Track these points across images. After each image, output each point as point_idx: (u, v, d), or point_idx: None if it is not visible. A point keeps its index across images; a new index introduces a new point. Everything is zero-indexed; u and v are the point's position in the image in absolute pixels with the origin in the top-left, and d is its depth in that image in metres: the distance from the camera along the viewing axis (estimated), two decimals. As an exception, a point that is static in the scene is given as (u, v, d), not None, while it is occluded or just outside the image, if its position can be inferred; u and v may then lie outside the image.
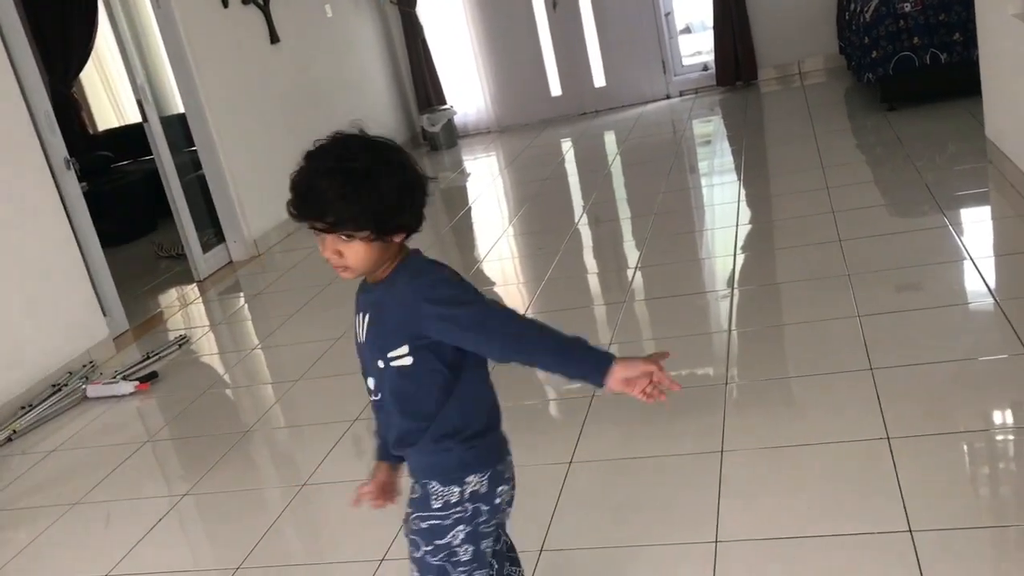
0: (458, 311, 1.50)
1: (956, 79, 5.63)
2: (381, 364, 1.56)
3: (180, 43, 5.59)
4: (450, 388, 1.56)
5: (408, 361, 1.53)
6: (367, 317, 1.57)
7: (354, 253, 1.48)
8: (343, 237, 1.46)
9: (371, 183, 1.43)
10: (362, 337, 1.59)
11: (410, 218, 1.50)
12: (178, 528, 2.91)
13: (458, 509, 1.59)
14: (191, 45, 5.63)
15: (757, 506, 2.35)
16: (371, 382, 1.62)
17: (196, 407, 3.80)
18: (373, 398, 1.62)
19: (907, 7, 5.68)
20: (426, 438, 1.58)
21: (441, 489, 1.59)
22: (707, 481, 2.47)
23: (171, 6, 5.51)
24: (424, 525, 1.61)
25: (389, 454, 1.70)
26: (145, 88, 5.43)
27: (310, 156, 1.47)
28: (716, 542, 2.23)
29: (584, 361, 1.52)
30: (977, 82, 4.71)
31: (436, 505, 1.60)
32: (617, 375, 1.48)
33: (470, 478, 1.59)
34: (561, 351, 1.52)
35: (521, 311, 4.02)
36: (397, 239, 1.51)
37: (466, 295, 1.53)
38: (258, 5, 6.36)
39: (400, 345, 1.53)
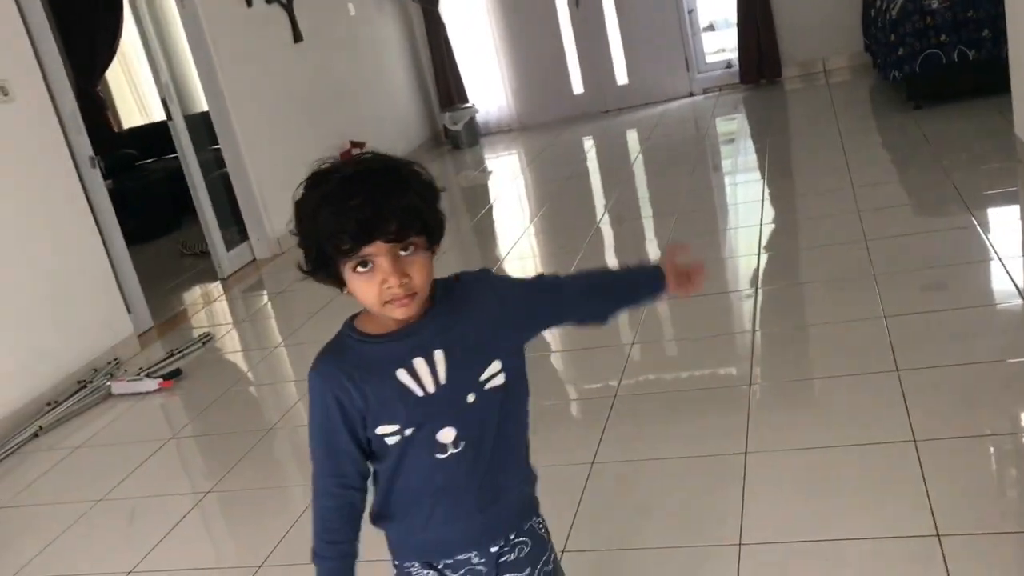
0: (546, 281, 1.46)
1: (984, 77, 5.56)
2: (472, 397, 1.34)
3: (204, 42, 5.62)
4: (528, 395, 1.42)
5: (502, 379, 1.36)
6: (439, 355, 1.33)
7: (420, 270, 1.27)
8: (404, 251, 1.25)
9: (414, 175, 1.29)
10: (440, 380, 1.33)
11: (444, 225, 1.34)
12: (201, 525, 2.92)
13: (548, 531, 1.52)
14: (215, 44, 5.66)
15: (781, 508, 2.33)
16: (448, 434, 1.34)
17: (220, 404, 3.81)
18: (448, 453, 1.35)
19: (934, 4, 5.62)
20: (523, 466, 1.45)
21: (540, 521, 1.49)
22: (731, 482, 2.46)
23: (195, 5, 5.55)
24: (550, 567, 1.48)
25: None
26: (169, 86, 5.47)
27: (341, 179, 1.25)
28: (740, 544, 2.22)
29: (641, 275, 1.56)
30: (1006, 80, 4.65)
31: (549, 540, 1.49)
32: (670, 274, 1.51)
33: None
34: (623, 279, 1.58)
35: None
36: (435, 252, 1.33)
37: (514, 277, 1.49)
38: (281, 4, 6.38)
39: (491, 361, 1.36)
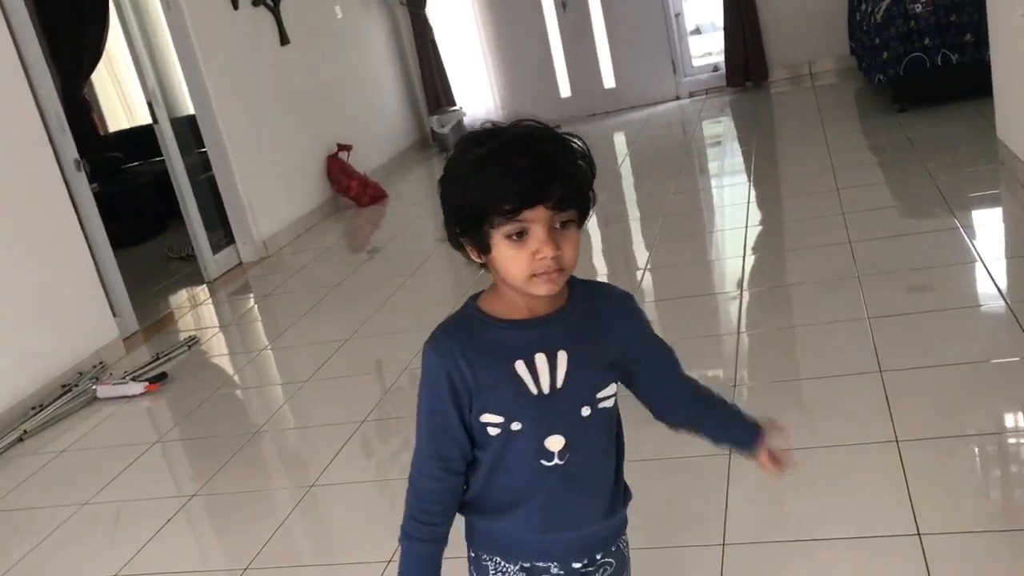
0: (658, 343, 1.39)
1: (967, 80, 5.60)
2: (587, 412, 1.28)
3: (190, 45, 5.61)
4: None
5: (613, 401, 1.32)
6: (563, 356, 1.26)
7: (572, 245, 1.21)
8: (560, 224, 1.20)
9: (575, 148, 1.23)
10: (558, 384, 1.26)
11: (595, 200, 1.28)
12: (187, 528, 2.92)
13: None
14: (201, 47, 5.65)
15: (765, 508, 2.34)
16: (556, 442, 1.28)
17: (205, 408, 3.81)
18: (553, 462, 1.29)
19: (918, 8, 5.66)
20: (624, 493, 1.42)
21: (625, 539, 1.47)
22: (715, 483, 2.47)
23: (181, 8, 5.53)
24: None
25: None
26: (155, 90, 5.45)
27: (510, 139, 1.20)
28: (723, 544, 2.23)
29: (739, 418, 1.45)
30: (989, 83, 4.68)
31: (629, 559, 1.47)
32: (764, 443, 1.43)
33: None
34: (724, 407, 1.46)
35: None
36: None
37: None
38: (268, 7, 6.37)
39: (610, 382, 1.31)
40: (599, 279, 4.50)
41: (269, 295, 5.29)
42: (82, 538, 2.95)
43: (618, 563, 1.42)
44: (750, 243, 4.35)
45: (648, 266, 4.39)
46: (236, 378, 4.16)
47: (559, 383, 1.26)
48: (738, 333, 3.41)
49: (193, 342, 4.57)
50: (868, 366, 2.88)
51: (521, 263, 1.19)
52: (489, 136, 1.20)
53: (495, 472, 1.32)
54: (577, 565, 1.37)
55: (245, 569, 2.56)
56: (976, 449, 2.45)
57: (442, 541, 1.35)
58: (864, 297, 3.40)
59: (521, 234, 1.18)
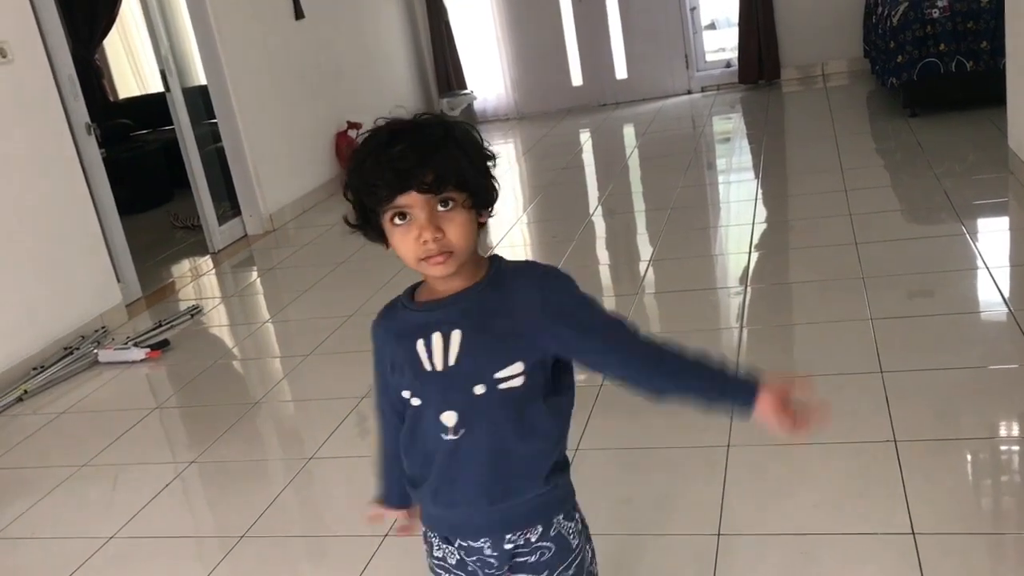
0: (597, 321, 1.32)
1: (981, 87, 5.60)
2: (480, 390, 1.29)
3: (206, 15, 5.60)
4: (563, 410, 1.37)
5: (519, 381, 1.29)
6: (457, 335, 1.29)
7: (456, 228, 1.24)
8: (442, 206, 1.23)
9: (462, 134, 1.27)
10: (450, 361, 1.29)
11: (495, 192, 1.31)
12: (184, 495, 2.93)
13: (585, 532, 1.46)
14: (216, 17, 5.64)
15: (761, 501, 2.36)
16: (450, 418, 1.31)
17: (205, 377, 3.82)
18: (448, 436, 1.32)
19: (935, 13, 5.64)
20: (541, 477, 1.36)
21: (572, 525, 1.42)
22: (712, 474, 2.48)
23: (198, -23, 5.52)
24: (570, 572, 1.42)
25: (405, 498, 1.48)
26: (168, 58, 5.45)
27: (388, 130, 1.25)
28: (719, 535, 2.24)
29: (733, 379, 1.34)
30: (1002, 92, 4.68)
31: (575, 542, 1.42)
32: (769, 399, 1.30)
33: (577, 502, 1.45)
34: (701, 367, 1.34)
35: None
36: (483, 219, 1.30)
37: (595, 303, 1.34)
38: (284, -20, 6.36)
39: (513, 362, 1.29)
40: (603, 268, 4.52)
41: (273, 269, 5.30)
42: (80, 499, 2.97)
43: (558, 547, 1.39)
44: (755, 240, 4.35)
45: (652, 258, 4.39)
46: (237, 350, 4.17)
47: (451, 361, 1.29)
48: (740, 328, 3.43)
49: (196, 311, 4.58)
50: (869, 367, 2.90)
51: (408, 247, 1.25)
52: (379, 128, 1.26)
53: (412, 440, 1.38)
54: (508, 546, 1.38)
55: (240, 537, 2.58)
56: (972, 453, 2.47)
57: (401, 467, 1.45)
58: (867, 298, 3.41)
59: (404, 217, 1.23)
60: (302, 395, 3.57)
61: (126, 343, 4.16)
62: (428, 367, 1.30)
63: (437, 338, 1.30)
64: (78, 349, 4.14)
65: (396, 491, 1.50)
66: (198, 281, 5.29)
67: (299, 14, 6.50)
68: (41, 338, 4.11)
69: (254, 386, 3.76)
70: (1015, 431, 2.58)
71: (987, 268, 3.53)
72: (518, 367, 1.29)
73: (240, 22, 5.89)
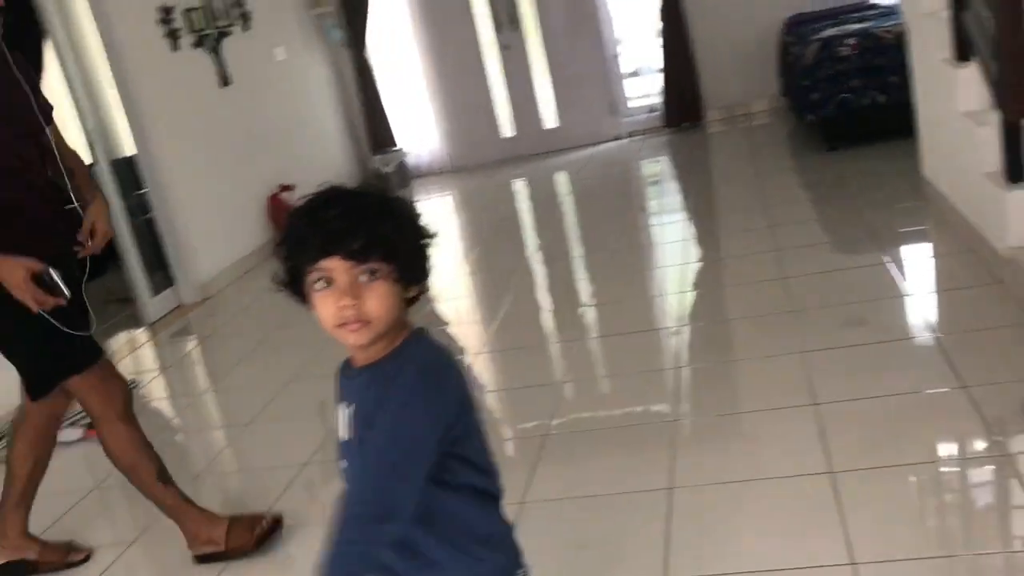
0: (378, 435, 1.27)
1: (894, 120, 5.79)
2: (345, 465, 1.37)
3: (129, 86, 5.57)
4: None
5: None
6: (350, 412, 1.34)
7: (377, 299, 1.24)
8: (366, 275, 1.23)
9: (400, 207, 1.30)
10: (348, 434, 1.34)
11: (428, 269, 1.33)
12: (126, 577, 2.86)
13: None
14: (141, 88, 5.62)
15: (706, 541, 2.39)
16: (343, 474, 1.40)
17: (145, 453, 3.74)
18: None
19: (845, 51, 5.86)
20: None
21: None
22: (657, 517, 2.50)
23: (120, 50, 5.51)
24: None
25: None
26: (94, 131, 5.41)
27: (327, 195, 1.27)
28: (667, 578, 2.26)
29: None
30: (914, 123, 4.87)
31: None
32: None
33: None
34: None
35: (476, 351, 4.06)
36: (412, 294, 1.31)
37: (399, 438, 1.26)
38: (208, 49, 6.37)
39: (367, 446, 1.32)
40: (544, 314, 4.55)
41: (210, 336, 5.23)
42: (16, 590, 2.87)
43: None
44: (689, 279, 4.44)
45: (592, 302, 4.45)
46: (176, 421, 4.10)
47: (348, 435, 1.34)
48: (679, 368, 3.48)
49: (133, 385, 4.47)
50: (803, 399, 2.96)
51: (328, 312, 1.25)
52: (318, 193, 1.29)
53: None
54: None
55: (187, 617, 2.52)
56: (911, 478, 2.53)
57: None
58: (799, 331, 3.49)
59: (328, 282, 1.24)
60: (246, 464, 3.52)
61: (61, 423, 4.05)
62: (341, 435, 1.36)
63: (342, 409, 1.36)
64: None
65: None
66: (135, 354, 5.20)
67: (225, 81, 6.51)
68: (-29, 424, 3.99)
69: (196, 458, 3.69)
70: (952, 452, 2.65)
71: (912, 295, 3.65)
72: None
73: (166, 91, 5.87)
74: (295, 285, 1.30)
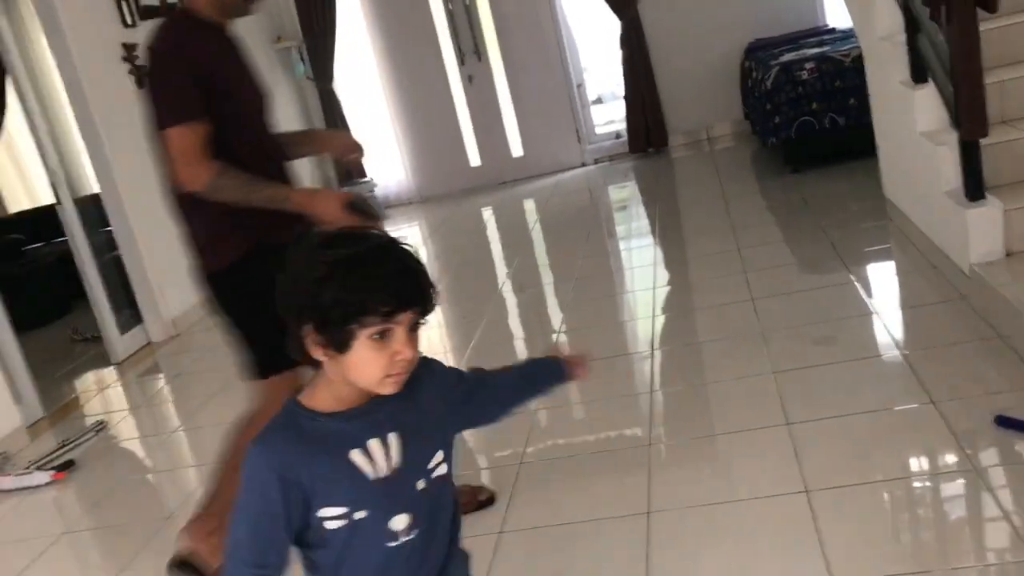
0: (474, 386, 1.52)
1: (854, 141, 5.91)
2: (422, 484, 1.34)
3: (93, 123, 5.54)
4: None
5: (445, 469, 1.40)
6: (394, 437, 1.33)
7: (417, 347, 1.31)
8: (412, 327, 1.29)
9: (423, 266, 1.34)
10: (394, 463, 1.32)
11: None
12: (99, 622, 2.81)
13: None
14: (105, 126, 5.59)
15: (685, 565, 2.39)
16: (401, 521, 1.33)
17: (116, 494, 3.69)
18: (400, 541, 1.33)
19: (804, 75, 5.97)
20: (463, 553, 1.51)
21: None
22: (636, 542, 2.50)
23: (83, 89, 5.48)
24: None
25: None
26: (58, 170, 5.36)
27: (370, 247, 1.26)
28: (647, 603, 2.26)
29: (546, 369, 1.65)
30: (874, 143, 4.96)
31: None
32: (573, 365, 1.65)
33: None
34: (530, 372, 1.66)
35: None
36: None
37: (460, 371, 1.53)
38: (173, 84, 6.35)
39: (436, 451, 1.38)
40: (516, 342, 4.56)
41: (180, 374, 5.18)
42: (-15, 640, 2.81)
43: None
44: (659, 303, 4.47)
45: (562, 329, 4.46)
46: (147, 462, 4.05)
47: (395, 463, 1.31)
48: (651, 392, 3.49)
49: (101, 427, 4.43)
50: (775, 419, 2.98)
51: (380, 363, 1.24)
52: (345, 240, 1.27)
53: (340, 568, 1.33)
54: None
55: (162, 661, 2.47)
56: (885, 494, 2.55)
57: None
58: (768, 351, 3.53)
59: (384, 335, 1.23)
60: (219, 503, 3.47)
61: (28, 467, 3.99)
62: (372, 475, 1.30)
63: (375, 444, 1.30)
64: (-24, 478, 3.95)
65: None
66: (103, 394, 5.13)
67: (191, 116, 6.48)
68: (-64, 471, 3.92)
69: (168, 499, 3.64)
70: (924, 467, 2.68)
71: (877, 313, 3.70)
72: (440, 455, 1.38)
73: (130, 128, 5.81)
74: (331, 334, 1.24)
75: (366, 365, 1.24)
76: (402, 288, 1.23)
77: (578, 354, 1.68)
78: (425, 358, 1.39)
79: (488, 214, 7.79)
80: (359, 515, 1.29)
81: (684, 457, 2.98)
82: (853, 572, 2.20)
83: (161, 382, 5.21)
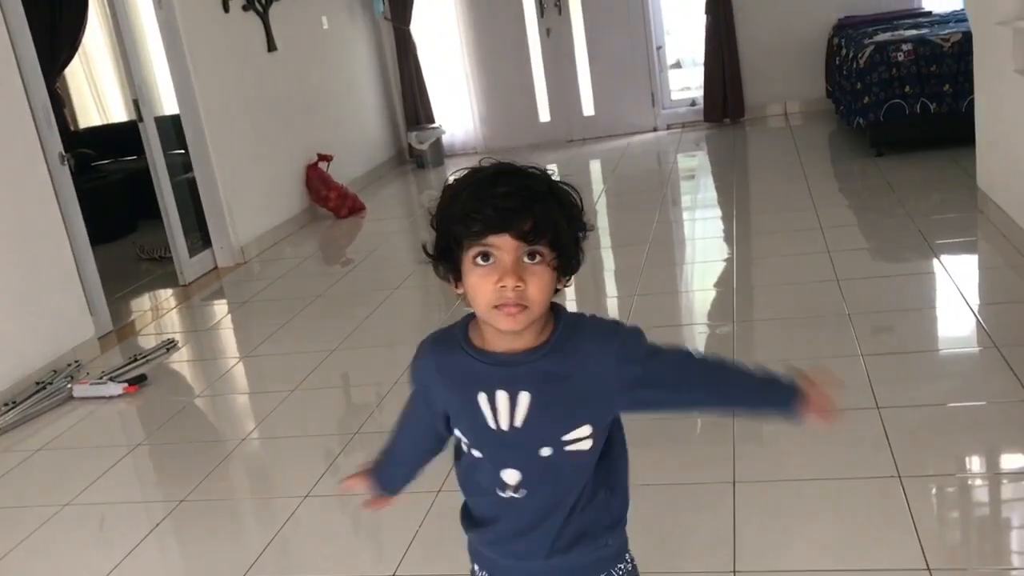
0: (662, 368, 1.30)
1: (944, 129, 5.77)
2: (547, 452, 1.27)
3: (180, 44, 5.54)
4: (622, 464, 1.37)
5: (587, 444, 1.28)
6: (525, 397, 1.25)
7: (538, 283, 1.19)
8: (529, 258, 1.19)
9: (566, 195, 1.25)
10: (516, 423, 1.26)
11: (580, 262, 1.27)
12: (176, 535, 2.85)
13: (635, 573, 1.44)
14: (191, 47, 5.59)
15: (773, 538, 2.36)
16: (512, 476, 1.30)
17: (188, 413, 3.73)
18: (507, 494, 1.31)
19: (900, 56, 5.81)
20: (603, 534, 1.37)
21: (623, 567, 1.41)
22: (722, 510, 2.48)
23: (172, 7, 5.47)
24: None
25: (392, 491, 1.55)
26: (142, 87, 5.38)
27: (495, 170, 1.22)
28: (734, 572, 2.24)
29: (773, 392, 1.36)
30: (963, 133, 4.82)
31: None
32: (812, 397, 1.34)
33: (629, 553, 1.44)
34: (751, 381, 1.37)
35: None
36: (560, 286, 1.25)
37: (661, 351, 1.31)
38: (258, 12, 6.33)
39: (580, 425, 1.27)
40: (585, 305, 4.52)
41: (246, 302, 5.21)
42: (65, 539, 2.86)
43: None
44: (736, 276, 4.40)
45: (636, 293, 4.42)
46: (216, 384, 4.08)
47: (518, 422, 1.26)
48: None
49: (171, 345, 4.48)
50: (865, 402, 2.93)
51: (486, 290, 1.19)
52: (483, 167, 1.24)
53: (467, 484, 1.38)
54: None
55: (241, 578, 2.51)
56: (979, 488, 2.51)
57: (406, 471, 1.54)
58: (855, 334, 3.46)
59: (487, 257, 1.18)
60: (290, 432, 3.49)
61: (101, 378, 4.05)
62: (492, 425, 1.27)
63: (503, 397, 1.26)
64: (51, 384, 4.02)
65: (390, 486, 1.55)
66: (169, 314, 5.18)
67: (271, 46, 6.47)
68: (12, 372, 3.99)
69: (239, 422, 3.68)
70: (1018, 464, 2.63)
71: (969, 306, 3.61)
72: (586, 430, 1.27)
73: (214, 52, 5.84)
74: (447, 258, 1.23)
75: (474, 291, 1.21)
76: (499, 208, 1.16)
77: (821, 392, 1.35)
78: (619, 332, 1.29)
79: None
80: (476, 453, 1.32)
81: (768, 432, 2.94)
82: (949, 561, 2.16)
83: (226, 308, 5.25)
